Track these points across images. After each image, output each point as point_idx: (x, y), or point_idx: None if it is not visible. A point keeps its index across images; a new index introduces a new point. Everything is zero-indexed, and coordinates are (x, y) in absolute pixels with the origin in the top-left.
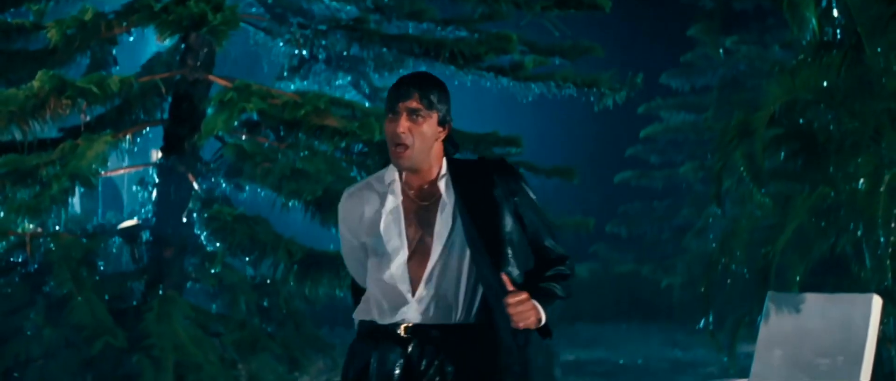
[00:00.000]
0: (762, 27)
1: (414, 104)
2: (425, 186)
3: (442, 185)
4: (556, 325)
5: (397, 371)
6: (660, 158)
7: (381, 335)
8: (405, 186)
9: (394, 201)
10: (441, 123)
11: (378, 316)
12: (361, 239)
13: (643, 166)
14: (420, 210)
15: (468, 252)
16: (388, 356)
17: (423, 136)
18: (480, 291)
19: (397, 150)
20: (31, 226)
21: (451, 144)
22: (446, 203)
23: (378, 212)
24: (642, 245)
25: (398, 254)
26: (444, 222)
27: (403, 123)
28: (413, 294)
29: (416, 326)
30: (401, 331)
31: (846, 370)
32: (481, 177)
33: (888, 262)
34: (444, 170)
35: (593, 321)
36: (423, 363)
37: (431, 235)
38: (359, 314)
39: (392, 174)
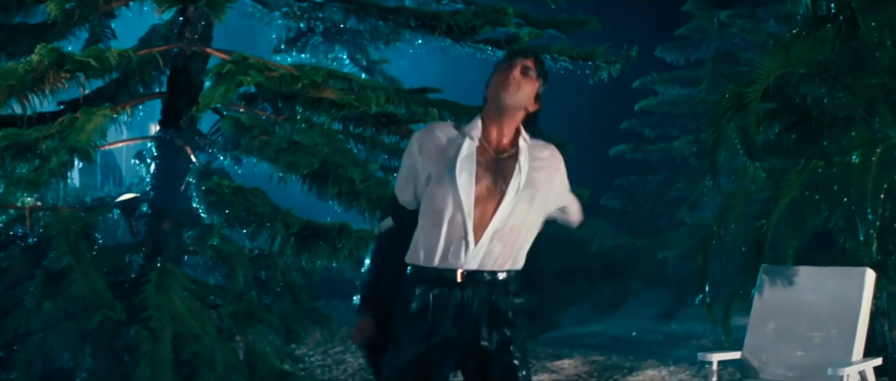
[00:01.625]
0: (756, 1)
1: (529, 63)
2: (503, 142)
3: (520, 146)
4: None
5: (453, 312)
6: (654, 132)
7: (437, 277)
8: (484, 139)
9: (472, 145)
10: (537, 97)
11: (436, 261)
12: (429, 168)
13: (638, 140)
14: (494, 161)
15: (531, 210)
16: (444, 298)
17: (525, 91)
18: (527, 246)
19: (507, 89)
20: (31, 199)
21: (530, 124)
22: (522, 164)
23: (457, 150)
24: (637, 218)
25: (467, 192)
26: (517, 178)
27: (518, 73)
28: (476, 242)
29: (471, 272)
30: (458, 277)
31: (839, 343)
32: (544, 152)
33: (876, 234)
34: (523, 134)
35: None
36: (476, 304)
37: (503, 187)
38: (411, 258)
39: (476, 124)
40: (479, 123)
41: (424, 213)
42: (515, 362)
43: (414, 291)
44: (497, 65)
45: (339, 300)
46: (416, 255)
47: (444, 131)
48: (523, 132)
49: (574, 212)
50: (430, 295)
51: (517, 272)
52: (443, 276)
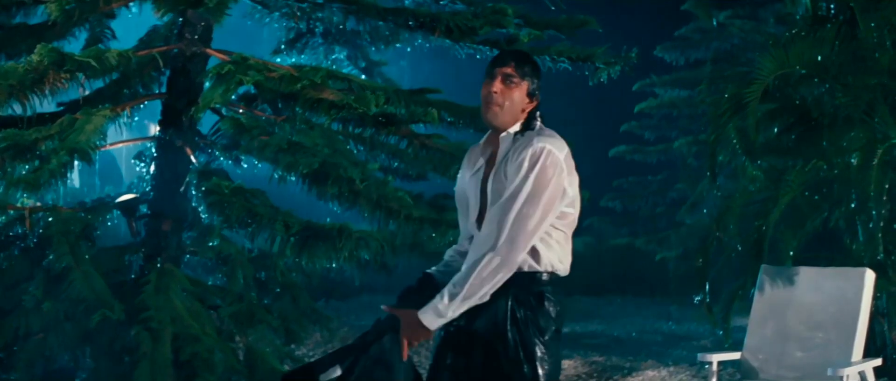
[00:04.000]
0: (756, 1)
1: (509, 70)
2: (497, 151)
3: (509, 149)
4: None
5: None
6: (654, 133)
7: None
8: (490, 151)
9: (481, 162)
10: (530, 94)
11: (453, 271)
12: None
13: (638, 141)
14: (492, 172)
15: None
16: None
17: (512, 100)
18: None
19: (488, 107)
20: (31, 201)
21: (533, 119)
22: (499, 168)
23: (472, 170)
24: (637, 219)
25: (476, 207)
26: (493, 186)
27: (497, 84)
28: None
29: None
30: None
31: (839, 343)
32: (520, 146)
33: (880, 236)
34: (520, 138)
35: (588, 294)
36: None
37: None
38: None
39: (485, 139)
40: (486, 137)
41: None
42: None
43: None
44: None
45: (339, 301)
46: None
47: (471, 153)
48: (519, 136)
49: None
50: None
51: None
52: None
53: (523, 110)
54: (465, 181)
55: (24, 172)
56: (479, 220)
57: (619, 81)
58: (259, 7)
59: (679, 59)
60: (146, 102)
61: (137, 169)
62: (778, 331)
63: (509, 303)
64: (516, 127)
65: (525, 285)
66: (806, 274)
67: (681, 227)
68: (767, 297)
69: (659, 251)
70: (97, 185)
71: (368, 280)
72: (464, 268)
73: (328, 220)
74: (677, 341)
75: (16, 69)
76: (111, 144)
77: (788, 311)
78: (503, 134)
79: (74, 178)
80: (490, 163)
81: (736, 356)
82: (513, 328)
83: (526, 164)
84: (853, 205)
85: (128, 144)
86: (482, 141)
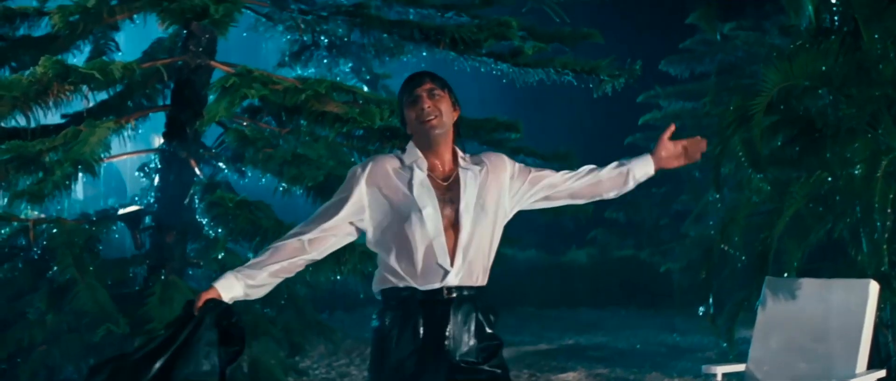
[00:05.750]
0: (760, 13)
1: (429, 85)
2: (443, 167)
3: (460, 165)
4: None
5: (448, 328)
6: None
7: (422, 300)
8: (429, 169)
9: (421, 174)
10: (454, 104)
11: (418, 283)
12: (382, 201)
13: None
14: (443, 186)
15: (490, 222)
16: (435, 317)
17: (443, 111)
18: (493, 256)
19: (428, 123)
20: (35, 212)
21: (458, 131)
22: (466, 181)
23: (408, 183)
24: (641, 231)
25: (434, 223)
26: (468, 196)
27: (426, 101)
28: (451, 263)
29: (455, 288)
30: (444, 294)
31: (843, 355)
32: (483, 161)
33: (885, 247)
34: (458, 153)
35: (592, 305)
36: (461, 318)
37: (457, 209)
38: (383, 283)
39: (416, 153)
40: (418, 152)
41: (387, 244)
42: (500, 371)
43: (396, 313)
44: (400, 103)
45: (344, 312)
46: (390, 280)
47: (389, 162)
48: (460, 153)
49: (562, 176)
50: (418, 316)
51: (487, 287)
52: (429, 296)
53: (452, 120)
54: (398, 196)
55: (28, 184)
56: (454, 224)
57: (624, 93)
58: (263, 20)
59: (684, 72)
60: (151, 114)
61: (141, 181)
62: (782, 343)
63: (478, 315)
64: (456, 151)
65: (485, 298)
66: (810, 286)
67: (685, 239)
68: (771, 309)
69: (663, 263)
70: (101, 197)
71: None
72: None
73: None
74: (681, 353)
75: (20, 81)
76: (115, 156)
77: (793, 322)
78: (461, 162)
79: (78, 190)
80: (445, 180)
81: (740, 367)
82: (492, 334)
83: (506, 160)
84: (857, 216)
85: (132, 156)
86: (407, 158)
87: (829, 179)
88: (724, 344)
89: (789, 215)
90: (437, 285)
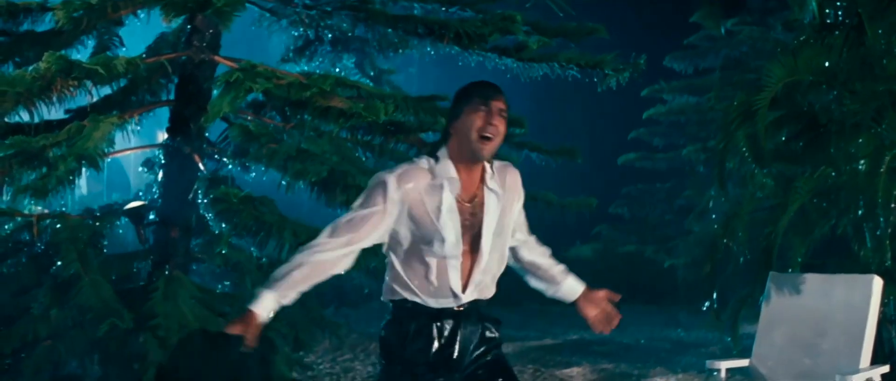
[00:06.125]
0: (764, 8)
1: (502, 105)
2: (472, 185)
3: (487, 185)
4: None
5: (457, 341)
6: (663, 141)
7: (435, 313)
8: (459, 186)
9: (450, 199)
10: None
11: (430, 300)
12: (408, 218)
13: (646, 148)
14: (466, 209)
15: (503, 244)
16: (445, 330)
17: (501, 135)
18: (502, 268)
19: (487, 142)
20: (39, 207)
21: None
22: (489, 205)
23: (436, 205)
24: (645, 226)
25: (455, 250)
26: (489, 222)
27: (496, 118)
28: (465, 288)
29: (467, 303)
30: (456, 309)
31: (847, 350)
32: (505, 180)
33: (888, 242)
34: (487, 172)
35: None
36: (470, 329)
37: (480, 232)
38: (394, 294)
39: (450, 169)
40: (451, 167)
41: (403, 258)
42: (491, 358)
43: (406, 326)
44: (464, 103)
45: (349, 308)
46: (400, 292)
47: (420, 177)
48: (487, 169)
49: (526, 238)
50: (434, 326)
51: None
52: (441, 310)
53: None
54: (425, 218)
55: (31, 179)
56: (473, 249)
57: (628, 87)
58: (267, 14)
59: (688, 67)
60: (155, 109)
61: (145, 176)
62: (786, 338)
63: (484, 324)
64: (486, 169)
65: (490, 305)
66: (814, 281)
67: (689, 234)
68: (775, 304)
69: (667, 259)
70: (105, 192)
71: (379, 287)
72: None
73: None
74: (686, 348)
75: (23, 77)
76: (119, 151)
77: (796, 318)
78: (488, 181)
79: (82, 185)
80: (470, 200)
81: (744, 363)
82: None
83: (521, 183)
84: (861, 212)
85: (136, 151)
86: (439, 173)
87: (833, 174)
88: (728, 339)
89: (793, 211)
90: (448, 304)
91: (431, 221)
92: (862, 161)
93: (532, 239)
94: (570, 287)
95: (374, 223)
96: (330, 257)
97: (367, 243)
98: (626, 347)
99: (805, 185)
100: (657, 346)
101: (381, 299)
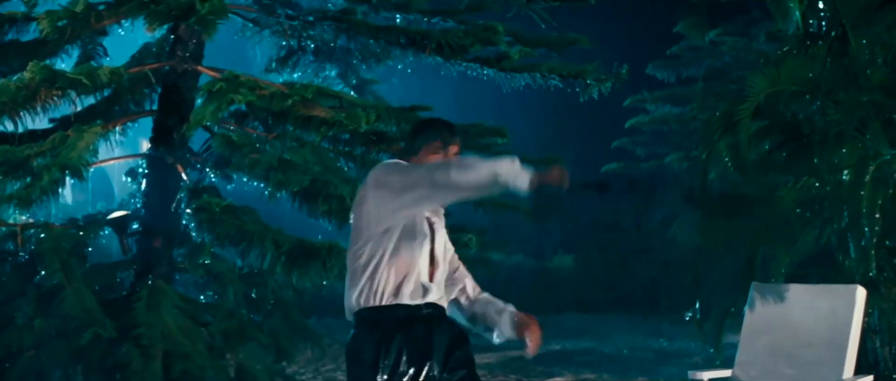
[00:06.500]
0: (748, 19)
1: (457, 148)
2: None
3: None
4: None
5: (426, 340)
6: (646, 150)
7: (407, 314)
8: None
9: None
10: None
11: (407, 298)
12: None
13: (629, 158)
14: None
15: (449, 248)
16: (416, 331)
17: None
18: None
19: None
20: (23, 217)
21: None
22: (438, 227)
23: None
24: (628, 236)
25: (424, 245)
26: (440, 222)
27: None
28: (431, 280)
29: (432, 304)
30: (425, 310)
31: (830, 360)
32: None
33: (873, 252)
34: None
35: (579, 310)
36: (437, 330)
37: (434, 232)
38: (367, 301)
39: None
40: None
41: (387, 256)
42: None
43: (375, 334)
44: (423, 141)
45: (332, 318)
46: (375, 297)
47: None
48: None
49: (462, 277)
50: (403, 331)
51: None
52: (412, 310)
53: None
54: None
55: (15, 189)
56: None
57: (611, 97)
58: (250, 25)
59: (671, 76)
60: (139, 118)
61: (130, 185)
62: (769, 348)
63: (454, 330)
64: None
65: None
66: (797, 292)
67: (671, 243)
68: (758, 314)
69: (650, 268)
70: (90, 201)
71: None
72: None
73: (319, 237)
74: (669, 358)
75: (7, 86)
76: (103, 161)
77: (779, 328)
78: None
79: (67, 194)
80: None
81: (727, 373)
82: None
83: None
84: (845, 222)
85: (119, 160)
86: None
87: (817, 184)
88: (711, 350)
89: (776, 221)
90: (421, 301)
91: (410, 220)
92: (846, 171)
93: (463, 276)
94: (503, 327)
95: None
96: None
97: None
98: (608, 357)
99: (788, 195)
100: (640, 356)
101: (348, 310)
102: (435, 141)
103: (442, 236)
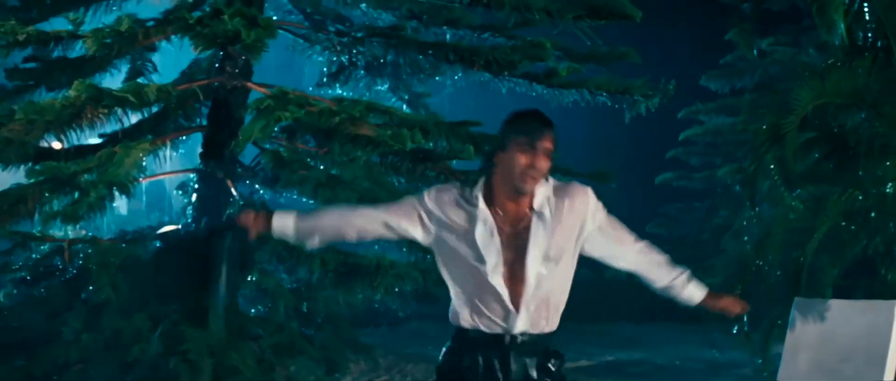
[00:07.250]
0: (798, 28)
1: (548, 144)
2: (517, 209)
3: (534, 210)
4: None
5: (500, 374)
6: (700, 160)
7: (485, 341)
8: (495, 207)
9: (486, 216)
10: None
11: (483, 325)
12: (442, 239)
13: (683, 168)
14: (511, 231)
15: (559, 271)
16: (492, 360)
17: (544, 172)
18: (564, 302)
19: (528, 178)
20: (72, 230)
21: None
22: (536, 230)
23: (469, 223)
24: (683, 246)
25: (495, 270)
26: (535, 247)
27: (542, 160)
28: (517, 310)
29: (517, 335)
30: (506, 340)
31: (869, 374)
32: (565, 203)
33: None
34: (536, 197)
35: (632, 321)
36: (516, 364)
37: (525, 256)
38: (454, 319)
39: (477, 191)
40: (480, 192)
41: (451, 283)
42: None
43: (461, 352)
44: (511, 137)
45: (387, 328)
46: (458, 316)
47: (450, 197)
48: (543, 188)
49: (638, 248)
50: (480, 356)
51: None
52: (491, 338)
53: None
54: (460, 236)
55: (63, 205)
56: (517, 274)
57: (665, 108)
58: (300, 41)
59: (724, 87)
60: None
61: (182, 199)
62: (810, 363)
63: (540, 360)
64: (535, 194)
65: (550, 342)
66: (837, 307)
67: (724, 254)
68: (799, 330)
69: (704, 278)
70: (144, 211)
71: (417, 307)
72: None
73: (375, 247)
74: (719, 369)
75: (53, 105)
76: (152, 177)
77: (820, 343)
78: (537, 206)
79: (122, 205)
80: (514, 224)
81: None
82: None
83: (590, 202)
84: (891, 233)
85: (170, 176)
86: (460, 199)
87: (860, 197)
88: (759, 361)
89: (823, 232)
90: (500, 331)
91: (468, 241)
92: (889, 184)
93: (641, 248)
94: (690, 295)
95: (407, 211)
96: (361, 217)
97: (401, 227)
98: (660, 368)
99: (834, 207)
100: (691, 367)
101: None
102: (521, 137)
103: (536, 251)
